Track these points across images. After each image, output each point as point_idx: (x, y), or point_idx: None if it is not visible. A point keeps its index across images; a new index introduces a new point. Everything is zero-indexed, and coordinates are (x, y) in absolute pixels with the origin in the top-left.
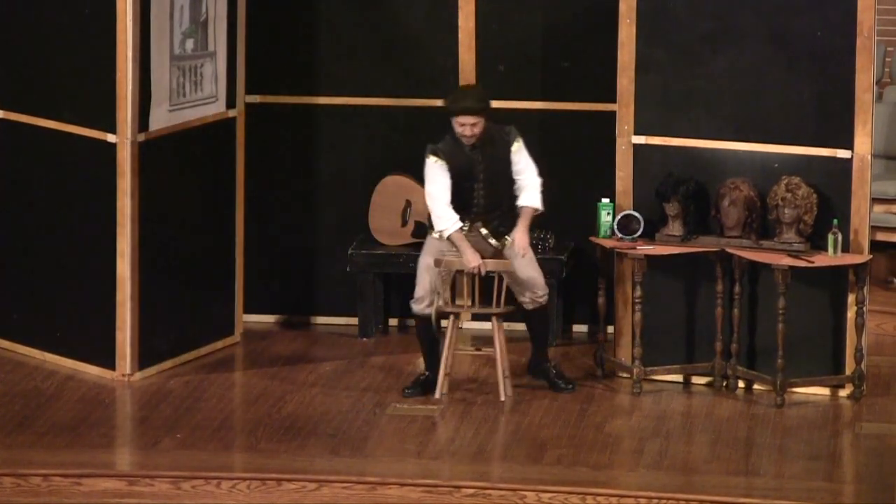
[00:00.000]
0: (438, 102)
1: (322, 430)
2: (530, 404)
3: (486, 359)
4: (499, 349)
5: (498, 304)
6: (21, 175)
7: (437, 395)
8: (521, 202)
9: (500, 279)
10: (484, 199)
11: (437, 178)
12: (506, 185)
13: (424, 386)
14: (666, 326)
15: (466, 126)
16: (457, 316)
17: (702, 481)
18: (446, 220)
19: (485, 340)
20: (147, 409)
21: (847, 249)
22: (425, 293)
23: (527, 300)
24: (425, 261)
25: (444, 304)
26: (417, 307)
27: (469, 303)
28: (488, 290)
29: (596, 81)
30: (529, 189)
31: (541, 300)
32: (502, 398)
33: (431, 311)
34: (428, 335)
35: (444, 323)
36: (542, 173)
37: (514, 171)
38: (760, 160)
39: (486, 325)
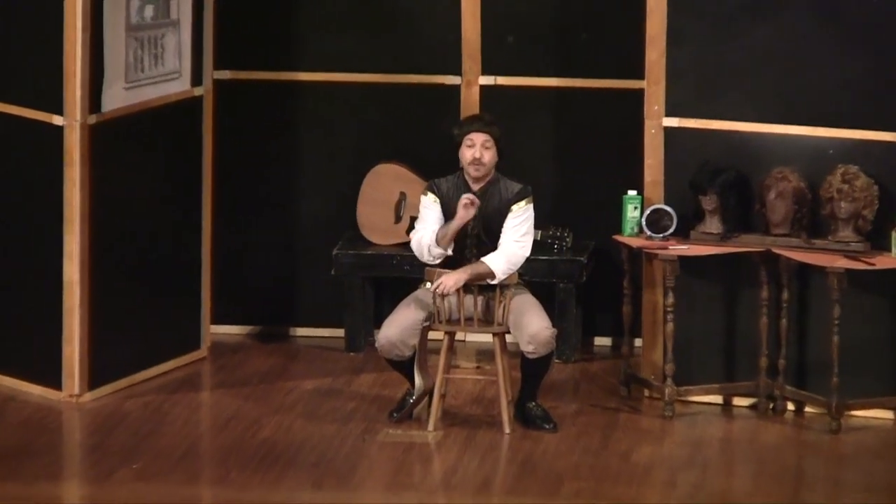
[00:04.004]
0: (438, 79)
1: (303, 459)
2: (544, 429)
3: (490, 378)
4: (502, 374)
5: (501, 322)
6: None
7: (430, 427)
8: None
9: (502, 290)
10: (476, 256)
11: (426, 216)
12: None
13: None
14: (702, 339)
15: (476, 147)
16: (451, 335)
17: None
18: (425, 236)
19: (490, 355)
20: (100, 435)
21: None
22: (388, 344)
23: (530, 350)
24: (409, 313)
25: (438, 323)
26: (379, 349)
27: (466, 320)
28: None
29: (620, 55)
30: (499, 252)
31: (543, 353)
32: (506, 431)
33: (391, 357)
34: (398, 366)
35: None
36: (558, 160)
37: (502, 232)
38: (812, 146)
39: (489, 339)
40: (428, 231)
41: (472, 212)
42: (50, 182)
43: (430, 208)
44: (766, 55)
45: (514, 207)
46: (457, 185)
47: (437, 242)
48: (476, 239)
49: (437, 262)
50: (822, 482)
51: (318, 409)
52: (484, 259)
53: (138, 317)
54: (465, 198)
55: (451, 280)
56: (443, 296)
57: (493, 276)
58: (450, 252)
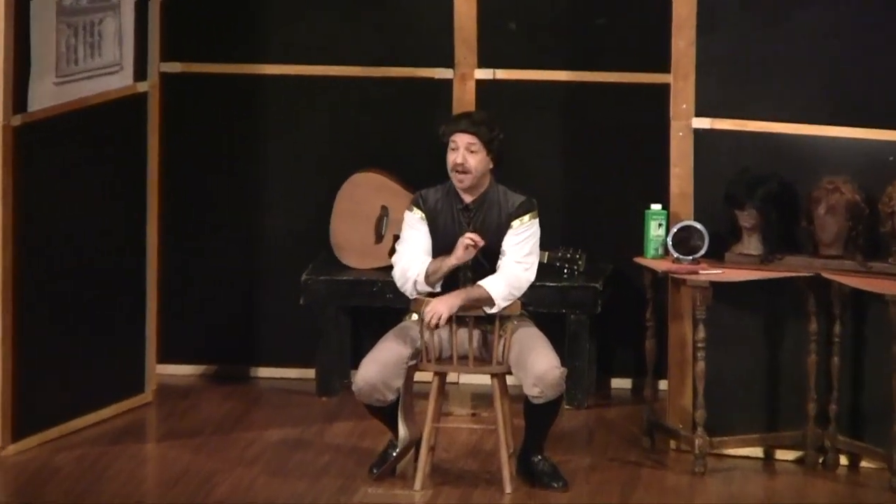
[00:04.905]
0: (426, 73)
1: None
2: (552, 487)
3: (488, 427)
4: (502, 422)
5: (500, 360)
6: None
7: (416, 486)
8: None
9: (503, 322)
10: (472, 281)
11: (409, 237)
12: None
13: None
14: (739, 381)
15: (459, 150)
16: (442, 376)
17: None
18: (413, 269)
19: (488, 400)
20: (26, 494)
21: None
22: (368, 387)
23: (536, 393)
24: (392, 350)
25: (427, 362)
26: (356, 392)
27: (459, 358)
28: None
29: (642, 44)
30: (499, 275)
31: (551, 396)
32: (507, 490)
33: (370, 402)
34: (379, 413)
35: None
36: (568, 168)
37: (501, 252)
38: (869, 151)
39: (487, 380)
40: (416, 261)
41: (472, 254)
42: None
43: (415, 227)
44: (815, 44)
45: (515, 223)
46: (446, 197)
47: (427, 279)
48: (471, 261)
49: (436, 290)
50: None
51: (284, 464)
52: (481, 283)
53: (71, 355)
54: (469, 237)
55: (444, 306)
56: (434, 326)
57: (491, 302)
58: (438, 289)
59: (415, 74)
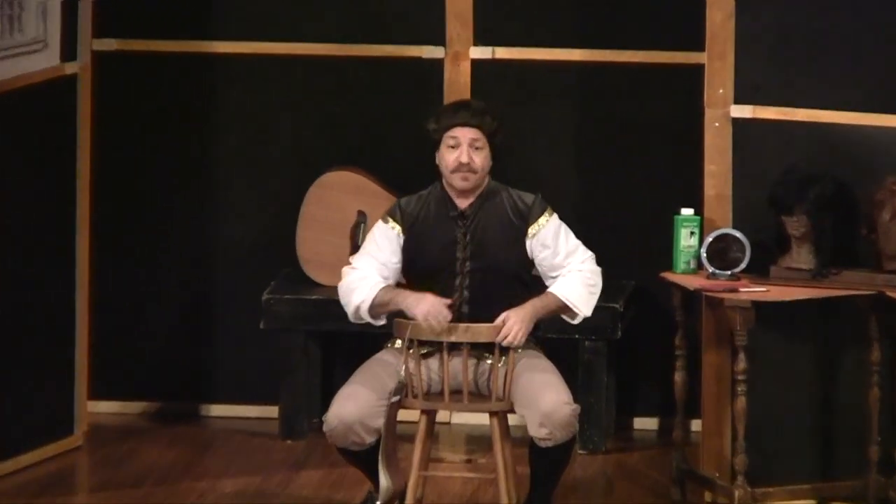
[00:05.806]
0: (413, 51)
1: None
2: None
3: (486, 476)
4: (503, 470)
5: (501, 396)
6: None
7: None
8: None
9: (504, 350)
10: (469, 303)
11: (373, 249)
12: (506, 285)
13: None
14: (787, 420)
15: (462, 147)
16: (431, 414)
17: None
18: (360, 290)
19: (486, 443)
20: None
21: None
22: (343, 427)
23: (542, 434)
24: (371, 384)
25: (413, 397)
26: (328, 434)
27: (451, 393)
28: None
29: (670, 17)
30: (568, 277)
31: (561, 439)
32: None
33: (346, 446)
34: (355, 459)
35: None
36: (582, 166)
37: (543, 269)
38: None
39: (484, 420)
40: (366, 284)
41: (445, 318)
42: None
43: (384, 238)
44: (877, 17)
45: (533, 230)
46: (434, 203)
47: (372, 309)
48: (470, 277)
49: (377, 323)
50: None
51: None
52: (551, 290)
53: None
54: (441, 304)
55: (523, 325)
56: (511, 346)
57: (570, 310)
58: (382, 322)
59: (399, 53)
